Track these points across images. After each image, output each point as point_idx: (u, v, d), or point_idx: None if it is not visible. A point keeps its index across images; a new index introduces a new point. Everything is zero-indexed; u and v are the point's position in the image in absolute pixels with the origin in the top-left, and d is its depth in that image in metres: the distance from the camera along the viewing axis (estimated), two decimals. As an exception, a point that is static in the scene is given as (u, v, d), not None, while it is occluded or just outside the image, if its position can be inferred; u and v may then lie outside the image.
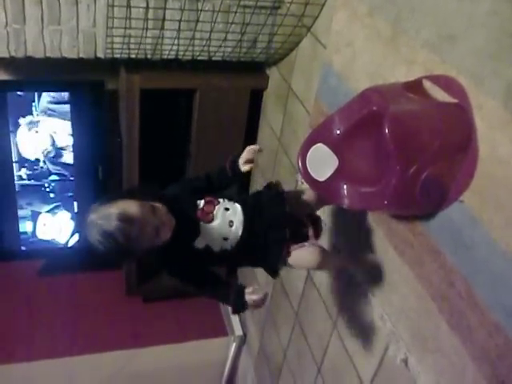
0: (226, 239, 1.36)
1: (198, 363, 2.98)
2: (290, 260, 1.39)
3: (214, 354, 3.01)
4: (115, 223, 1.17)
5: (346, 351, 1.81)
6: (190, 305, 3.04)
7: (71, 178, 2.73)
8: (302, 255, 1.41)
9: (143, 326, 2.93)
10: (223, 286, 1.38)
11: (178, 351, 2.89)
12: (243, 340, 3.00)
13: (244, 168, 1.41)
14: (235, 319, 3.04)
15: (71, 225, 2.93)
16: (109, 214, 1.19)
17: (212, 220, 1.35)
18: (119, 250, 1.20)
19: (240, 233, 1.36)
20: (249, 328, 2.96)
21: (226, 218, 1.36)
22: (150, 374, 2.85)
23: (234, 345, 2.98)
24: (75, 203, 2.81)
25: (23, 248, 2.85)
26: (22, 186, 2.99)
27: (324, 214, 1.83)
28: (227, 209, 1.37)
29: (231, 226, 1.36)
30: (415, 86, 1.31)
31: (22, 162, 3.02)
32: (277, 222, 1.40)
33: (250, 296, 1.32)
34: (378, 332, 1.59)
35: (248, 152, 1.41)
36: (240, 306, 1.34)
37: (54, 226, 2.97)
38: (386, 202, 1.23)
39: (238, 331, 2.98)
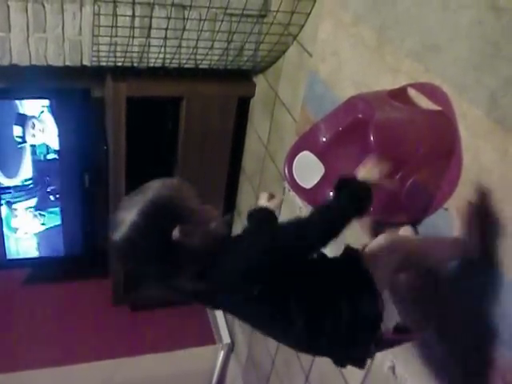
0: None
1: (187, 372, 2.96)
2: None
3: (202, 363, 2.99)
4: (153, 191, 0.98)
5: (333, 359, 1.81)
6: (178, 313, 3.02)
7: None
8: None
9: (131, 335, 2.91)
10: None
11: (165, 360, 2.87)
12: (231, 348, 2.99)
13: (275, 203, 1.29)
14: (223, 327, 3.03)
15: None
16: (145, 189, 1.00)
17: None
18: (158, 226, 0.97)
19: None
20: (237, 336, 2.95)
21: None
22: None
23: (222, 353, 2.96)
24: (60, 212, 2.78)
25: (8, 257, 2.82)
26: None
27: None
28: None
29: None
30: (400, 94, 1.32)
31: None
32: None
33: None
34: (365, 339, 1.59)
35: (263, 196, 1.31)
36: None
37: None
38: (371, 209, 1.24)
39: (226, 339, 2.97)
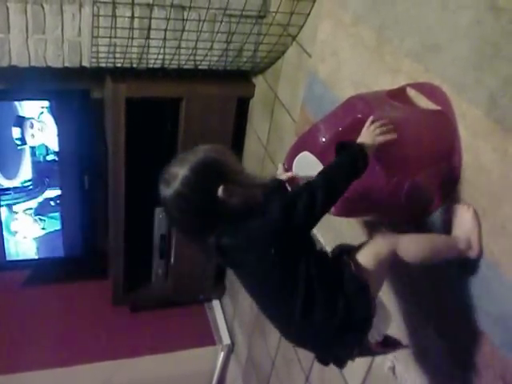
0: None
1: (186, 373, 2.96)
2: None
3: (202, 364, 2.99)
4: (204, 152, 1.12)
5: (333, 359, 1.81)
6: (178, 314, 3.03)
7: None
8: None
9: (130, 336, 2.91)
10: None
11: (165, 361, 2.87)
12: (231, 349, 2.99)
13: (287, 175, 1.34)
14: (223, 328, 3.03)
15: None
16: (196, 151, 1.13)
17: None
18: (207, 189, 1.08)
19: None
20: (237, 336, 2.95)
21: None
22: (137, 385, 2.83)
23: (222, 354, 2.96)
24: (60, 213, 2.78)
25: (8, 259, 2.82)
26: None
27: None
28: None
29: None
30: (399, 94, 1.32)
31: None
32: None
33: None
34: (365, 340, 1.59)
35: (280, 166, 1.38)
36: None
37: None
38: (371, 209, 1.25)
39: (226, 340, 2.97)
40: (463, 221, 1.18)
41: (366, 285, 1.08)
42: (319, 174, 1.12)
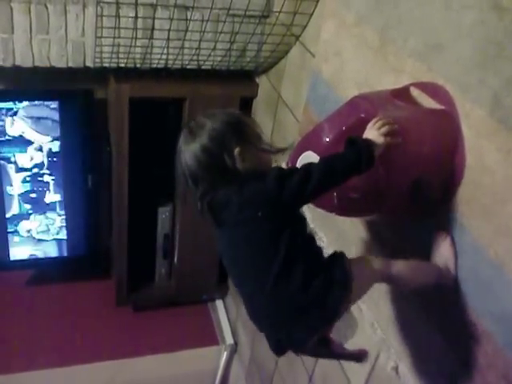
0: None
1: (189, 372, 2.96)
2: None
3: (205, 364, 2.99)
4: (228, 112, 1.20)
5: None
6: (181, 314, 3.03)
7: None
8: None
9: (133, 335, 2.91)
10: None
11: (168, 361, 2.87)
12: (234, 349, 2.99)
13: None
14: (226, 328, 3.03)
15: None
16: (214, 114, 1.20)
17: None
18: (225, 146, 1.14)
19: None
20: (240, 336, 2.95)
21: None
22: (140, 385, 2.83)
23: (226, 354, 2.96)
24: (64, 213, 2.79)
25: (11, 258, 2.82)
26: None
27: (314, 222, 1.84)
28: None
29: None
30: (403, 93, 1.32)
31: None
32: None
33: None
34: (368, 339, 1.59)
35: None
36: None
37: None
38: (374, 209, 1.24)
39: (229, 340, 2.97)
40: (441, 249, 1.23)
41: (351, 281, 1.07)
42: (322, 159, 1.14)
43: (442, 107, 1.23)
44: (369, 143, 1.11)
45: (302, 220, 1.17)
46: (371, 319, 1.57)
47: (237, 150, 1.13)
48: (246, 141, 1.16)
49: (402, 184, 1.19)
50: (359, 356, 1.26)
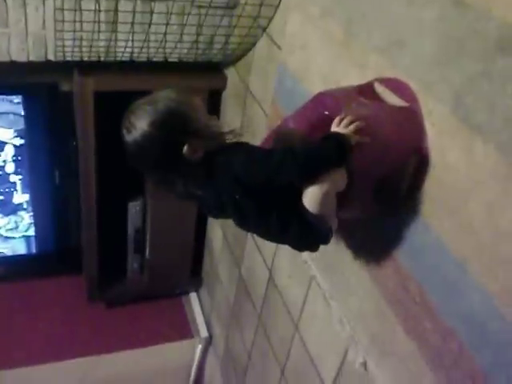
0: None
1: (165, 366, 2.95)
2: None
3: (180, 357, 2.98)
4: (165, 102, 1.10)
5: (307, 354, 1.81)
6: (154, 308, 3.01)
7: None
8: None
9: (107, 331, 2.88)
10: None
11: (143, 355, 2.85)
12: (209, 342, 2.98)
13: None
14: (200, 321, 3.02)
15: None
16: (156, 99, 1.13)
17: None
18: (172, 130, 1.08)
19: None
20: (214, 329, 2.94)
21: None
22: (114, 381, 2.81)
23: (200, 347, 2.95)
24: (31, 209, 2.73)
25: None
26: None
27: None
28: None
29: None
30: (368, 90, 1.31)
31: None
32: None
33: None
34: (337, 335, 1.59)
35: None
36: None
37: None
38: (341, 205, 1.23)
39: (204, 333, 2.96)
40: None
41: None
42: (303, 147, 1.11)
43: (407, 104, 1.22)
44: (344, 136, 1.11)
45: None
46: (339, 315, 1.57)
47: (186, 148, 1.08)
48: (192, 133, 1.09)
49: (365, 184, 1.18)
50: None
